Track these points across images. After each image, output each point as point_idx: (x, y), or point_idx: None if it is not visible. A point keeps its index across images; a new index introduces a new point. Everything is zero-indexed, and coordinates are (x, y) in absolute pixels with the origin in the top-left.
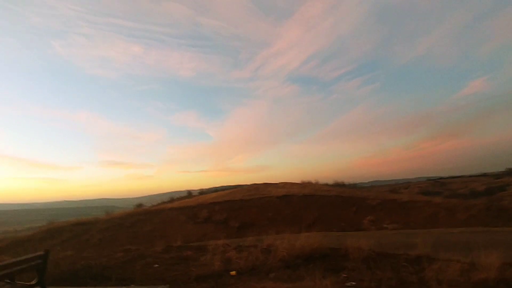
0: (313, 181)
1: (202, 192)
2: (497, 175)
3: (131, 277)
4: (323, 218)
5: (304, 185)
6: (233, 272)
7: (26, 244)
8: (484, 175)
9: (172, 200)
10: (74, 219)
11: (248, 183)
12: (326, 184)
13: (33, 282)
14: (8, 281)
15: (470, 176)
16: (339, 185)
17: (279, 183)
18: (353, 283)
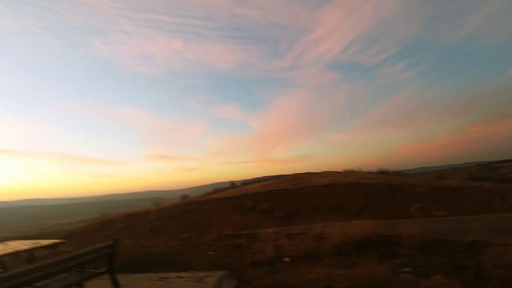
0: (356, 170)
1: (245, 182)
2: None
3: (189, 263)
4: (368, 206)
5: (348, 173)
6: (286, 259)
7: (81, 236)
8: None
9: (216, 191)
10: (126, 210)
11: (290, 173)
12: (370, 172)
13: (101, 270)
14: (78, 270)
15: None
16: (383, 173)
17: (322, 172)
18: (409, 269)
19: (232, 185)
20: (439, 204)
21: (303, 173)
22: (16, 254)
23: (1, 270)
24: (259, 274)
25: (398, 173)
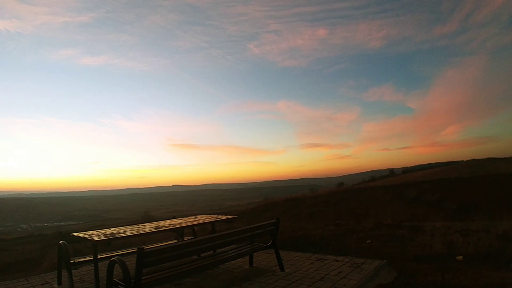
0: None
1: (406, 170)
2: None
3: (346, 249)
4: None
5: None
6: (459, 257)
7: (249, 215)
8: None
9: (373, 179)
10: (285, 195)
11: (465, 159)
12: None
13: (268, 244)
14: (248, 242)
15: None
16: None
17: (511, 157)
18: None
19: (391, 172)
20: None
21: (483, 159)
22: (202, 225)
23: (192, 237)
24: (424, 270)
25: None
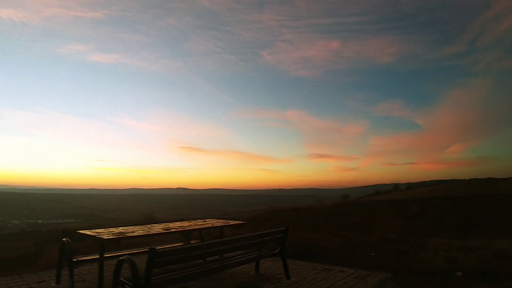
0: None
1: (410, 186)
2: None
3: (351, 261)
4: None
5: None
6: (459, 273)
7: (253, 223)
8: None
9: (377, 192)
10: (290, 205)
11: (466, 178)
12: None
13: (276, 251)
14: (256, 248)
15: None
16: None
17: (510, 178)
18: None
19: (396, 187)
20: None
21: (484, 179)
22: (210, 229)
23: (199, 240)
24: (427, 284)
25: None
